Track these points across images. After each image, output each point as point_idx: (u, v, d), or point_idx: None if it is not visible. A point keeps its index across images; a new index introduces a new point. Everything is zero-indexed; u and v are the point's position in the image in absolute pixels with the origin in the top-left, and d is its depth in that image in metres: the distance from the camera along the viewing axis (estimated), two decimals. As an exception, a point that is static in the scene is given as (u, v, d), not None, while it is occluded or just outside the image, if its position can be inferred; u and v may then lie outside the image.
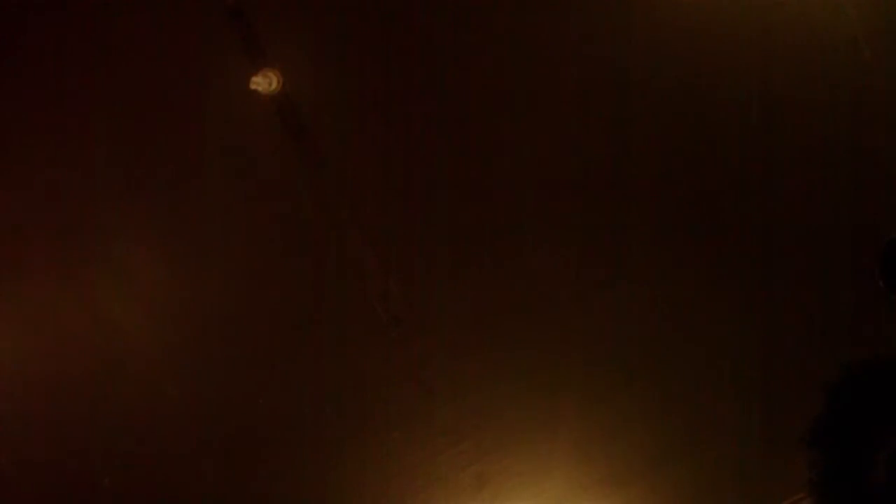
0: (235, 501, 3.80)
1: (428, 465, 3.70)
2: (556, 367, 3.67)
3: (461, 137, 3.78)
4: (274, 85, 3.76)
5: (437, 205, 3.80)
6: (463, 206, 3.79)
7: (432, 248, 3.80)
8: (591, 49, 3.75)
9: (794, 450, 3.32)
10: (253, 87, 3.74)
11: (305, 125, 3.81)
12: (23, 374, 3.89)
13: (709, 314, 3.63)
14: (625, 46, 3.73)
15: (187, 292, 3.89)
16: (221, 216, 3.88)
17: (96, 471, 3.80)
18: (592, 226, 3.71)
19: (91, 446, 3.82)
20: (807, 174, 3.65)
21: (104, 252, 3.91)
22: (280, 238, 3.88)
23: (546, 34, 3.74)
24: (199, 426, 3.80)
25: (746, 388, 3.54)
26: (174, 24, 3.83)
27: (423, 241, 3.81)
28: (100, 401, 3.82)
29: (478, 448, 3.69)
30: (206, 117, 3.82)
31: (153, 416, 3.81)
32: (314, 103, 3.81)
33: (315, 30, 3.82)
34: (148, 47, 3.85)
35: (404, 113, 3.79)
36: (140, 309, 3.89)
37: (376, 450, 3.73)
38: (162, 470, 3.80)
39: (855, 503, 1.90)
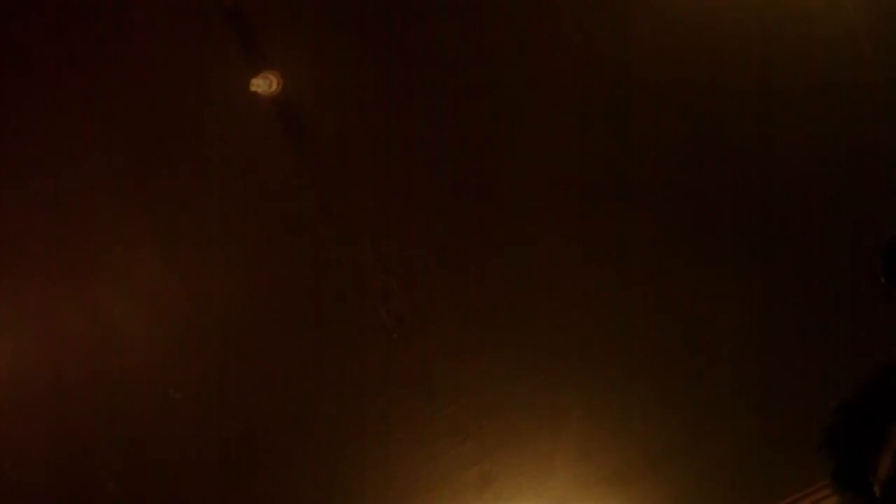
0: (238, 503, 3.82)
1: (431, 465, 3.72)
2: (559, 367, 3.68)
3: (462, 137, 3.77)
4: (273, 87, 3.75)
5: (438, 204, 3.79)
6: (464, 206, 3.78)
7: (434, 247, 3.80)
8: (591, 46, 3.74)
9: (793, 450, 3.35)
10: (252, 88, 3.72)
11: (305, 126, 3.80)
12: (24, 376, 3.89)
13: (709, 313, 3.63)
14: (624, 45, 3.72)
15: (187, 294, 3.88)
16: (221, 217, 3.87)
17: (100, 474, 3.82)
18: (595, 225, 3.71)
19: (94, 449, 3.84)
20: (807, 171, 3.65)
21: (104, 254, 3.91)
22: (280, 239, 3.88)
23: (547, 33, 3.73)
24: (200, 429, 3.81)
25: (746, 388, 3.56)
26: (172, 26, 3.81)
27: (425, 240, 3.81)
28: (102, 404, 3.83)
29: (481, 448, 3.71)
30: (206, 120, 3.80)
31: (155, 419, 3.82)
32: (314, 104, 3.79)
33: (314, 31, 3.79)
34: (146, 50, 3.83)
35: (405, 113, 3.78)
36: (140, 311, 3.89)
37: (379, 450, 3.74)
38: (165, 472, 3.82)
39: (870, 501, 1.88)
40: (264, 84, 3.74)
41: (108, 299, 3.88)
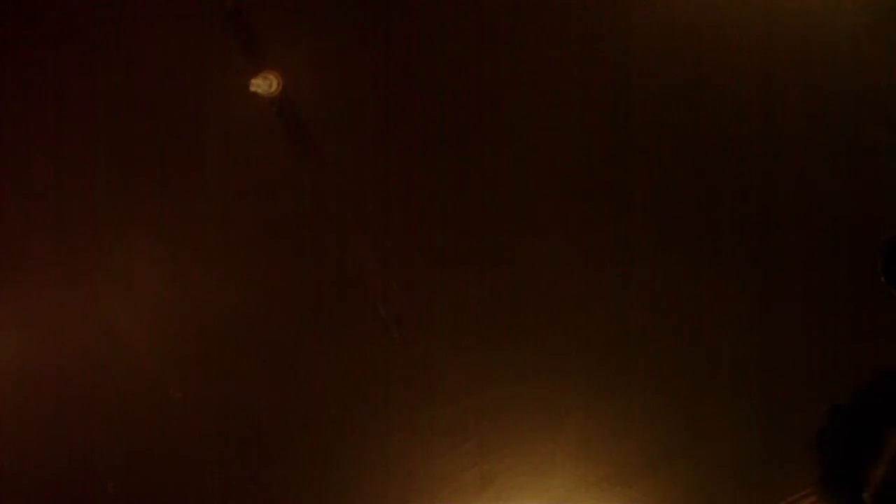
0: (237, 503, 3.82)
1: (431, 466, 3.72)
2: (559, 367, 3.68)
3: (462, 138, 3.78)
4: (274, 87, 3.76)
5: (438, 205, 3.80)
6: (464, 206, 3.79)
7: (434, 247, 3.81)
8: (591, 45, 3.74)
9: (793, 450, 3.35)
10: (253, 89, 3.73)
11: (305, 126, 3.80)
12: (25, 376, 3.90)
13: (710, 314, 3.63)
14: (625, 43, 3.72)
15: (188, 293, 3.90)
16: (221, 217, 3.88)
17: (99, 474, 3.82)
18: (595, 226, 3.71)
19: (94, 450, 3.84)
20: (807, 171, 3.64)
21: (104, 254, 3.92)
22: (280, 239, 3.88)
23: (547, 33, 3.73)
24: (201, 429, 3.82)
25: (746, 388, 3.55)
26: (172, 26, 3.82)
27: (424, 240, 3.81)
28: (102, 404, 3.84)
29: (481, 448, 3.71)
30: (206, 120, 3.82)
31: (156, 419, 3.83)
32: (314, 105, 3.80)
33: (315, 31, 3.80)
34: (146, 49, 3.84)
35: (405, 113, 3.79)
36: (140, 310, 3.90)
37: (378, 451, 3.74)
38: (165, 472, 3.82)
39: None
40: (264, 84, 3.74)
41: (108, 299, 3.88)
